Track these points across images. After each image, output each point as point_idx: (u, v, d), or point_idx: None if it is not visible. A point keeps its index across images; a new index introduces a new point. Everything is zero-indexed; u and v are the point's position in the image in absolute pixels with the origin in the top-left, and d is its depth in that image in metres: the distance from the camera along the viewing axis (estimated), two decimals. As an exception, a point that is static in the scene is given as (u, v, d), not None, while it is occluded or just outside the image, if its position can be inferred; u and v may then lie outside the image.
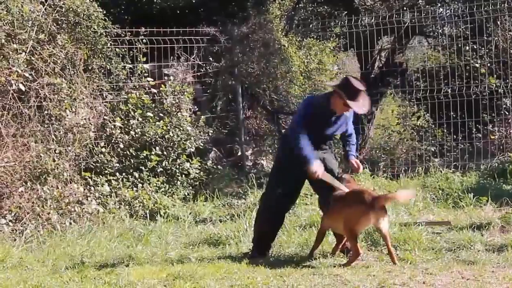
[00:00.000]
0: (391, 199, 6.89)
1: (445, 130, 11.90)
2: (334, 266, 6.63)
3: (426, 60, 13.14)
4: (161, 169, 10.01)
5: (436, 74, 11.46)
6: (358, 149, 7.63)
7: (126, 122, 10.04)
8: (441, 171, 10.42)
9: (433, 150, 11.71)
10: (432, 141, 11.81)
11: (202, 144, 10.81)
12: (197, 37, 11.47)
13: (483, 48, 12.04)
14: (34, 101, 8.85)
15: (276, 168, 7.33)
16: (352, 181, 7.17)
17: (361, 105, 6.76)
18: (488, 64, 11.76)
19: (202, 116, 10.93)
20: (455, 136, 11.96)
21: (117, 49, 10.18)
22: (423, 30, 12.99)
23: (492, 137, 11.80)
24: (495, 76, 11.44)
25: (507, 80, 11.15)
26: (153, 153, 9.95)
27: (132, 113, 10.10)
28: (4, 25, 8.71)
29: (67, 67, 9.33)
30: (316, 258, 6.93)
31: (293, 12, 12.89)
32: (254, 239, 7.32)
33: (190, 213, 9.37)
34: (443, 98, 11.11)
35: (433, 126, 11.92)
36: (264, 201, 7.30)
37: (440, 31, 12.85)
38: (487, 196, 9.01)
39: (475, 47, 12.00)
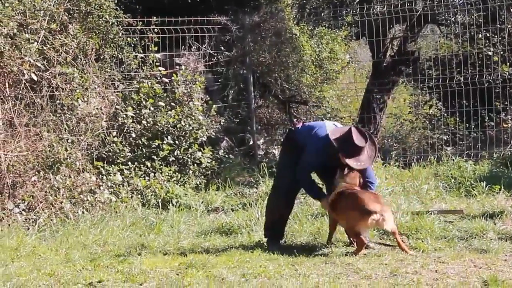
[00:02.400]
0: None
1: (458, 119, 11.86)
2: (346, 255, 6.63)
3: (438, 48, 13.09)
4: (173, 158, 10.02)
5: (449, 63, 11.41)
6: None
7: (138, 111, 10.05)
8: (453, 160, 10.39)
9: (445, 138, 11.67)
10: (445, 130, 11.78)
11: (213, 134, 10.82)
12: (208, 26, 11.46)
13: (496, 36, 11.97)
14: (46, 91, 8.87)
15: (282, 155, 7.48)
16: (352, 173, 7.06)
17: (358, 160, 6.72)
18: (501, 52, 11.70)
19: (214, 106, 10.92)
20: (467, 125, 11.92)
21: (128, 39, 10.19)
22: (435, 18, 12.92)
23: (505, 125, 11.75)
24: (508, 64, 11.37)
25: (520, 68, 11.11)
26: (165, 142, 9.96)
27: (144, 102, 10.11)
28: (16, 15, 8.72)
29: (79, 56, 9.35)
30: (328, 246, 6.95)
31: (304, 1, 12.83)
32: (266, 226, 7.35)
33: (202, 202, 9.39)
34: (455, 87, 11.06)
35: (446, 114, 11.88)
36: (274, 186, 7.41)
37: (453, 19, 12.77)
38: (499, 184, 9.00)
39: (488, 35, 11.94)
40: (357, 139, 6.69)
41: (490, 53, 11.76)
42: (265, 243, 7.23)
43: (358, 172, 6.92)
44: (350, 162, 6.71)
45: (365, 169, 6.94)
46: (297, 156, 7.00)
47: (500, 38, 11.92)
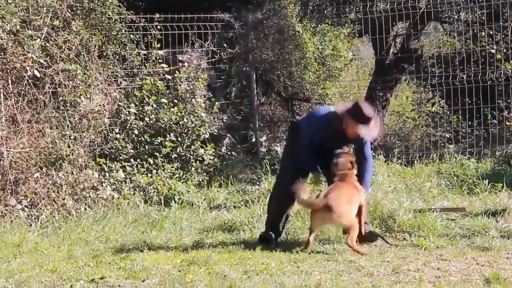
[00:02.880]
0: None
1: (460, 117, 11.85)
2: (349, 251, 6.63)
3: (441, 46, 13.06)
4: (175, 155, 10.02)
5: (452, 60, 11.39)
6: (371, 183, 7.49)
7: (140, 108, 10.05)
8: (456, 158, 10.38)
9: (448, 136, 11.67)
10: (447, 128, 11.78)
11: (216, 131, 10.83)
12: (211, 23, 11.46)
13: (499, 34, 11.95)
14: (49, 87, 8.87)
15: (286, 151, 7.50)
16: (345, 156, 7.06)
17: (369, 130, 6.74)
18: (504, 50, 11.68)
19: (216, 102, 10.92)
20: (470, 123, 11.90)
21: (131, 35, 10.19)
22: (438, 16, 12.90)
23: (508, 123, 11.76)
24: (511, 61, 11.35)
25: (524, 66, 11.09)
26: (167, 139, 9.96)
27: (147, 99, 10.10)
28: (19, 11, 8.72)
29: (82, 53, 9.34)
30: (331, 243, 6.96)
31: (307, -2, 12.84)
32: (268, 220, 7.37)
33: (204, 199, 9.39)
34: (458, 84, 11.06)
35: (448, 112, 11.88)
36: (278, 181, 7.43)
37: (456, 16, 12.74)
38: (502, 182, 8.99)
39: (491, 32, 11.91)
40: (366, 109, 6.74)
41: (493, 50, 11.73)
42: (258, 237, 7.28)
43: (349, 156, 6.97)
44: (362, 130, 6.71)
45: (363, 146, 6.97)
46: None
47: (503, 36, 11.89)
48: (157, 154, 9.84)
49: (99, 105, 9.34)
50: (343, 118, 6.78)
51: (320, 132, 6.90)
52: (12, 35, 8.51)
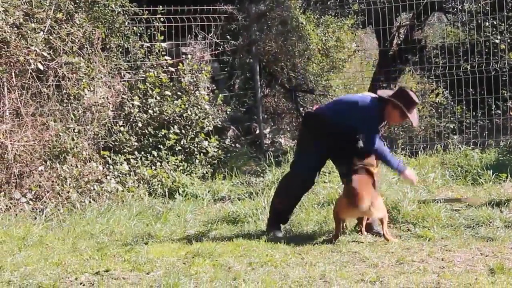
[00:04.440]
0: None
1: (464, 107, 11.82)
2: (353, 243, 6.64)
3: (445, 36, 13.03)
4: (179, 147, 10.03)
5: (455, 51, 11.36)
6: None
7: (144, 101, 10.05)
8: (460, 148, 10.37)
9: (452, 127, 11.64)
10: (451, 118, 11.74)
11: (220, 123, 10.82)
12: (214, 15, 11.44)
13: (503, 24, 11.92)
14: (52, 80, 8.88)
15: (300, 142, 7.46)
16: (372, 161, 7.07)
17: (416, 117, 6.94)
18: (508, 40, 11.65)
19: (220, 95, 10.90)
20: (474, 113, 11.89)
21: (134, 28, 10.20)
22: (442, 6, 12.87)
23: (512, 113, 11.71)
24: (515, 52, 11.34)
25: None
26: (171, 131, 9.96)
27: (150, 91, 10.11)
28: (22, 4, 8.72)
29: (85, 46, 9.35)
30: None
31: (310, -11, 12.80)
32: (273, 212, 7.33)
33: (208, 191, 9.40)
34: (462, 75, 11.02)
35: (452, 103, 11.84)
36: (292, 174, 7.30)
37: (460, 7, 12.72)
38: (506, 172, 8.99)
39: (495, 23, 11.87)
40: (414, 95, 6.80)
41: (497, 41, 11.71)
42: (266, 226, 7.27)
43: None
44: (412, 117, 6.82)
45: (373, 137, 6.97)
46: (320, 139, 7.00)
47: (507, 26, 11.87)
48: (161, 147, 9.85)
49: (103, 98, 9.35)
50: (391, 104, 6.81)
51: (374, 120, 6.92)
52: (15, 28, 8.52)
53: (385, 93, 7.05)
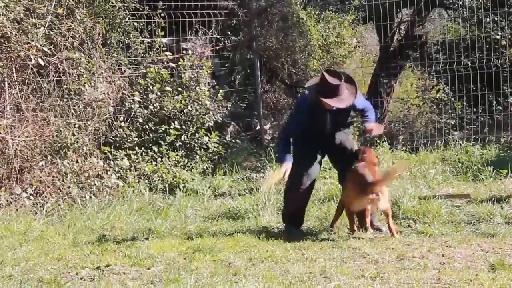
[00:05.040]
0: (385, 181, 6.74)
1: (465, 103, 11.83)
2: (354, 239, 6.64)
3: (446, 32, 13.02)
4: (180, 143, 10.02)
5: (456, 47, 11.34)
6: (378, 120, 7.39)
7: (144, 96, 10.05)
8: (460, 144, 10.37)
9: (452, 123, 11.64)
10: (452, 114, 11.74)
11: (220, 118, 10.81)
12: (215, 11, 11.43)
13: (504, 20, 11.91)
14: (53, 76, 8.88)
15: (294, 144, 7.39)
16: (368, 152, 7.04)
17: (340, 100, 6.64)
18: (509, 36, 11.64)
19: (221, 90, 10.89)
20: (475, 109, 11.89)
21: (135, 23, 10.18)
22: (443, 2, 12.85)
23: (513, 109, 11.72)
24: (516, 48, 11.34)
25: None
26: (171, 127, 9.95)
27: (151, 87, 10.10)
28: (23, -1, 8.73)
29: (86, 41, 9.34)
30: (335, 232, 6.95)
31: (311, -15, 12.79)
32: (285, 214, 7.28)
33: (209, 187, 9.39)
34: (463, 71, 11.01)
35: (453, 99, 11.84)
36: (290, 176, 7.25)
37: (460, 2, 12.70)
38: (507, 168, 8.99)
39: (495, 18, 11.86)
40: (330, 78, 6.61)
41: (498, 37, 11.70)
42: (284, 230, 7.17)
43: (372, 154, 6.97)
44: (332, 102, 6.62)
45: (361, 106, 6.95)
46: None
47: (508, 22, 11.85)
48: (162, 142, 9.85)
49: (103, 93, 9.34)
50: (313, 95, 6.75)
51: (301, 112, 6.90)
52: (16, 24, 8.51)
53: (313, 80, 7.04)
